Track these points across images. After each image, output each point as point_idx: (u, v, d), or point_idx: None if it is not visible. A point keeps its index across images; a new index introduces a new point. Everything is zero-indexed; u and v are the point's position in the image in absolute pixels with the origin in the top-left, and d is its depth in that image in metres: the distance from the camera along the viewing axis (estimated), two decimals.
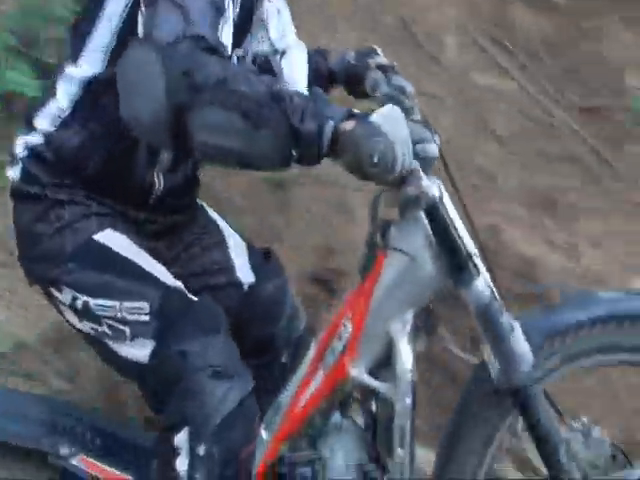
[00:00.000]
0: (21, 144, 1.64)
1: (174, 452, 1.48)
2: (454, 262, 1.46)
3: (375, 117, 1.33)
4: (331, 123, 1.31)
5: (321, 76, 1.86)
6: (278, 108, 1.29)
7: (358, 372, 1.51)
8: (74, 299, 1.56)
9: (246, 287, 1.80)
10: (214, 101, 1.28)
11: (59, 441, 1.68)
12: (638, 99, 4.58)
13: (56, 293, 1.59)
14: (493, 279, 1.52)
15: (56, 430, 1.70)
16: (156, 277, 1.55)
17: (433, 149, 1.42)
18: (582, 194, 3.73)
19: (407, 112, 1.42)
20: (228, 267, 1.78)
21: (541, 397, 1.51)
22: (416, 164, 1.39)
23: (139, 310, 1.51)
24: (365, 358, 1.51)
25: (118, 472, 1.66)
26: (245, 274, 1.80)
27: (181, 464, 1.48)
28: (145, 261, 1.58)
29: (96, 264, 1.56)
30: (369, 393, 1.56)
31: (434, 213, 1.45)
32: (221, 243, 1.82)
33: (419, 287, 1.50)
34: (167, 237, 1.75)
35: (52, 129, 1.61)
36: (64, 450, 1.67)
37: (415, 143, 1.36)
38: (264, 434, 1.55)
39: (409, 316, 1.50)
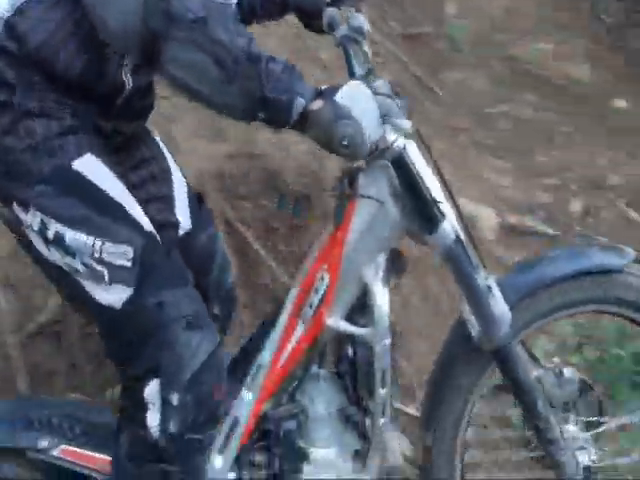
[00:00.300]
0: None
1: (143, 407, 1.40)
2: (420, 208, 1.48)
3: (342, 98, 1.33)
4: (301, 101, 1.31)
5: (272, 2, 1.69)
6: (254, 70, 1.28)
7: (335, 321, 1.52)
8: (44, 226, 1.37)
9: (181, 232, 1.65)
10: (190, 40, 1.25)
11: (37, 435, 1.57)
12: (454, 27, 4.80)
13: (22, 214, 1.40)
14: (473, 245, 1.56)
15: (32, 425, 1.58)
16: (138, 222, 1.42)
17: (405, 123, 1.42)
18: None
19: (366, 60, 1.50)
20: (170, 204, 1.64)
21: (518, 352, 1.58)
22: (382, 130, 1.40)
23: (122, 255, 1.37)
24: (341, 306, 1.52)
25: (101, 455, 1.56)
26: (184, 217, 1.65)
27: (152, 419, 1.41)
28: (126, 200, 1.43)
29: (74, 193, 1.38)
30: (346, 340, 1.58)
31: (400, 162, 1.46)
32: (166, 174, 1.67)
33: (389, 231, 1.52)
34: (123, 152, 1.59)
35: (10, 14, 1.36)
36: (43, 443, 1.56)
37: (384, 117, 1.38)
38: (247, 395, 1.54)
39: (381, 260, 1.51)
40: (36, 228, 1.38)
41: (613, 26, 5.27)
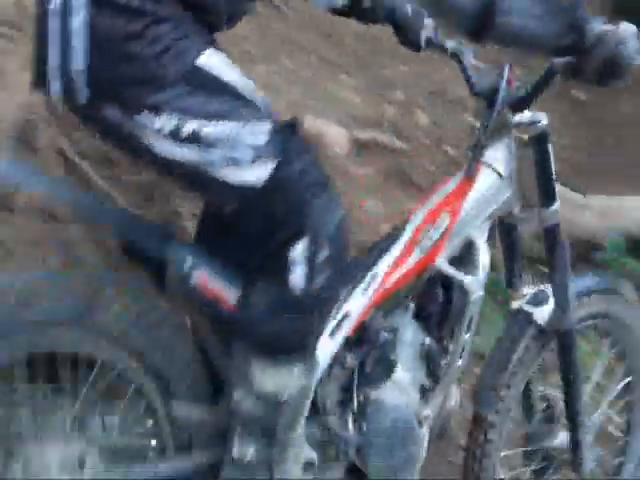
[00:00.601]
0: None
1: (288, 269, 1.47)
2: (544, 184, 1.76)
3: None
4: (591, 25, 1.53)
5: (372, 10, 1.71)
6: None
7: (442, 262, 1.69)
8: (179, 126, 1.39)
9: None
10: None
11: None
12: None
13: (152, 119, 1.38)
14: None
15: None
16: (262, 101, 1.49)
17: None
18: (252, 40, 3.79)
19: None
20: None
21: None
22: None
23: (262, 132, 1.43)
24: (448, 251, 1.70)
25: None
26: None
27: (297, 279, 1.48)
28: (247, 83, 1.48)
29: (205, 88, 1.41)
30: (439, 282, 1.72)
31: (541, 139, 1.73)
32: None
33: (500, 203, 1.73)
34: None
35: None
36: (187, 265, 1.51)
37: None
38: (360, 297, 1.65)
39: (486, 227, 1.74)
40: (168, 130, 1.39)
41: None
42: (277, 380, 1.51)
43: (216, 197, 1.51)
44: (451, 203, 1.71)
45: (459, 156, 3.59)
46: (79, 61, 1.34)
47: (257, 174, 1.43)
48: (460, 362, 1.72)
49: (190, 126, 1.39)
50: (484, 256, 1.71)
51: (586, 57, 1.54)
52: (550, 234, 1.80)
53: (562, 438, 1.94)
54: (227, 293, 1.52)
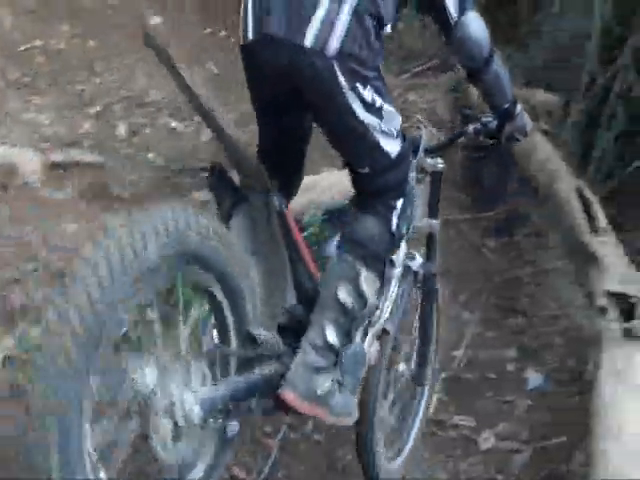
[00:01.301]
0: None
1: (392, 211, 2.05)
2: (434, 205, 2.46)
3: None
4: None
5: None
6: None
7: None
8: (373, 98, 1.92)
9: None
10: None
11: None
12: None
13: (360, 87, 1.89)
14: None
15: None
16: None
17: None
18: None
19: None
20: None
21: None
22: None
23: (399, 123, 2.04)
24: None
25: None
26: None
27: (395, 218, 2.06)
28: None
29: (383, 80, 1.99)
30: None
31: (438, 175, 2.42)
32: None
33: None
34: None
35: None
36: None
37: None
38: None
39: None
40: (368, 99, 1.91)
41: None
42: (371, 285, 2.04)
43: (368, 155, 2.01)
44: None
45: (162, 161, 3.67)
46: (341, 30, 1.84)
47: (393, 147, 2.01)
48: None
49: (379, 101, 1.95)
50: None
51: (507, 124, 2.29)
52: (430, 236, 2.48)
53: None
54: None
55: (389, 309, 2.22)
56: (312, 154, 4.20)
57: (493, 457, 2.76)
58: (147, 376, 1.55)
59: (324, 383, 1.96)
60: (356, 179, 2.08)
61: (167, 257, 1.55)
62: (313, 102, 1.94)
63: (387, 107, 1.95)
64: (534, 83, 4.19)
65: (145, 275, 1.51)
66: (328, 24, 1.79)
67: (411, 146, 2.16)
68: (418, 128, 2.48)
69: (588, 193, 3.34)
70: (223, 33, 4.78)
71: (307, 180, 3.51)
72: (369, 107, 1.92)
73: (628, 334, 2.64)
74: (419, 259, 2.39)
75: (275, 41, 1.82)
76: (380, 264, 2.06)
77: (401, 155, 2.03)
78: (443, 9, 2.08)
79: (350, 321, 2.00)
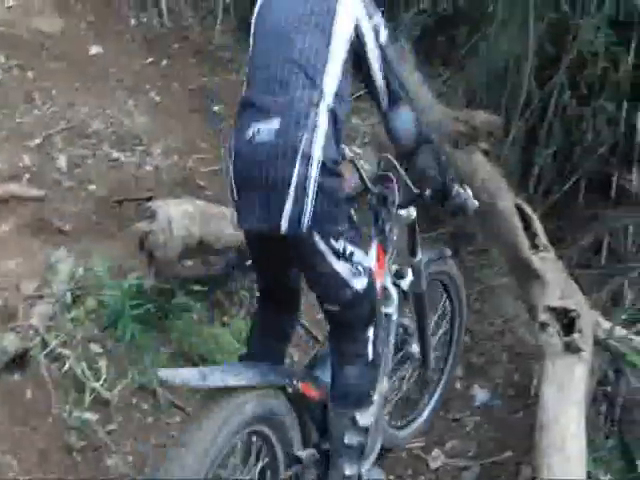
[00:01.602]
0: None
1: (367, 343, 2.41)
2: (413, 246, 2.82)
3: None
4: None
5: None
6: None
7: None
8: (345, 247, 2.27)
9: None
10: None
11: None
12: None
13: (333, 242, 2.24)
14: None
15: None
16: None
17: None
18: None
19: None
20: None
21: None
22: None
23: (366, 261, 2.41)
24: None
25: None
26: None
27: (370, 347, 2.41)
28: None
29: (356, 230, 2.38)
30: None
31: (413, 225, 2.79)
32: None
33: None
34: None
35: None
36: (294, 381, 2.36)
37: None
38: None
39: None
40: (340, 250, 2.26)
41: None
42: (367, 417, 2.43)
43: (339, 295, 2.33)
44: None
45: (104, 193, 3.65)
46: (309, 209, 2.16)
47: (361, 283, 2.33)
48: None
49: (349, 249, 2.28)
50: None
51: (445, 203, 2.60)
52: (415, 269, 2.80)
53: (415, 348, 2.88)
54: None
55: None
56: None
57: (443, 475, 2.81)
58: None
59: None
60: (329, 315, 2.42)
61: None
62: (295, 260, 2.36)
63: (357, 252, 2.32)
64: (474, 104, 4.29)
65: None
66: (297, 210, 2.14)
67: (375, 282, 2.46)
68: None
69: (528, 210, 3.43)
70: (165, 62, 4.78)
71: None
72: (341, 256, 2.27)
73: (569, 348, 2.71)
74: (409, 278, 2.78)
75: (259, 231, 2.27)
76: (369, 397, 2.44)
77: (367, 288, 2.36)
78: (377, 98, 2.38)
79: (360, 451, 2.45)
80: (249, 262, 2.99)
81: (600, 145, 3.85)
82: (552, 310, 2.87)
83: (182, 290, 3.18)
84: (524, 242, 3.26)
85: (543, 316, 2.86)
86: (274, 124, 2.16)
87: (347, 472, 2.40)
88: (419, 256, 2.79)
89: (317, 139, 2.15)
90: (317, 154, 2.14)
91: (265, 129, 2.17)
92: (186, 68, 4.76)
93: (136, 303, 3.02)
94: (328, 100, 2.19)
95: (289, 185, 2.12)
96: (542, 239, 3.27)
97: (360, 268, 2.31)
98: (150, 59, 4.77)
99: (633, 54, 3.68)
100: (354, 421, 2.38)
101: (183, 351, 3.10)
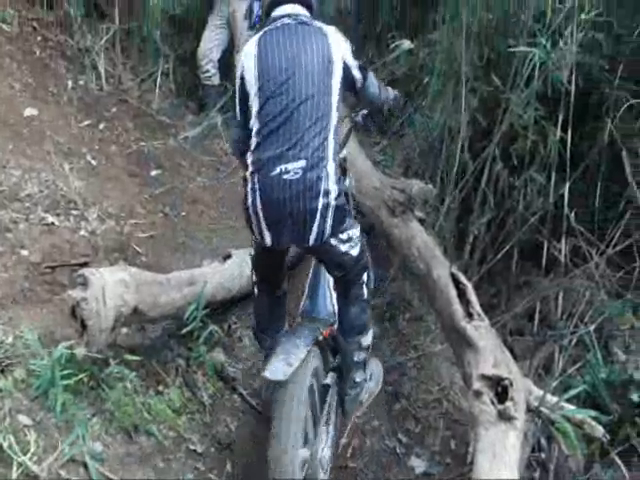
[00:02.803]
0: None
1: (362, 286, 3.16)
2: None
3: None
4: None
5: None
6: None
7: None
8: (348, 235, 3.01)
9: None
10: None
11: None
12: None
13: (340, 236, 2.99)
14: None
15: None
16: None
17: None
18: None
19: None
20: None
21: None
22: None
23: (360, 234, 3.10)
24: None
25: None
26: None
27: (365, 288, 3.17)
28: None
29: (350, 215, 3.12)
30: None
31: None
32: None
33: None
34: None
35: None
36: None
37: None
38: None
39: None
40: (345, 238, 3.00)
41: (15, 35, 5.40)
42: (369, 339, 3.25)
43: (344, 263, 3.06)
44: None
45: (37, 258, 3.65)
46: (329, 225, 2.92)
47: (357, 250, 3.05)
48: None
49: (350, 234, 3.01)
50: None
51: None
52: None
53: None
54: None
55: None
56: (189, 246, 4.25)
57: None
58: None
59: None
60: (337, 279, 3.19)
61: None
62: (313, 254, 3.26)
63: (353, 231, 3.03)
64: (411, 172, 4.48)
65: None
66: (322, 229, 2.87)
67: (364, 242, 3.17)
68: None
69: (463, 278, 3.57)
70: (102, 125, 4.86)
71: (186, 275, 3.61)
72: (345, 241, 3.00)
73: (502, 416, 2.81)
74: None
75: (287, 245, 3.04)
76: (367, 325, 3.23)
77: (361, 251, 3.09)
78: (353, 80, 3.07)
79: (364, 364, 3.25)
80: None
81: (532, 214, 4.05)
82: (486, 378, 2.98)
83: (116, 359, 3.18)
84: (459, 310, 3.39)
85: (477, 384, 2.96)
86: (300, 164, 2.80)
87: (358, 379, 3.22)
88: None
89: (332, 172, 2.86)
90: (333, 187, 2.86)
91: (291, 168, 2.80)
92: (124, 132, 4.85)
93: (68, 372, 3.00)
94: (333, 129, 2.90)
95: (315, 213, 2.83)
96: (476, 307, 3.41)
97: (356, 240, 3.05)
98: (87, 122, 4.85)
99: (560, 128, 3.91)
100: (360, 344, 3.19)
101: (116, 420, 3.09)
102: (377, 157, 4.71)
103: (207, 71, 5.49)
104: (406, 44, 3.92)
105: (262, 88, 2.89)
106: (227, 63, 5.46)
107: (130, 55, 5.57)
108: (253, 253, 3.19)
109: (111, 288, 3.12)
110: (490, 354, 3.13)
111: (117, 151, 4.69)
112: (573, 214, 3.82)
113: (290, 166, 2.80)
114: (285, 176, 2.79)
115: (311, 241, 2.86)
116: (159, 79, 5.34)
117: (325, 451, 3.03)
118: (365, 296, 3.16)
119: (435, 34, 4.85)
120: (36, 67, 5.15)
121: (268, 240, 2.91)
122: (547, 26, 3.93)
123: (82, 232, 3.93)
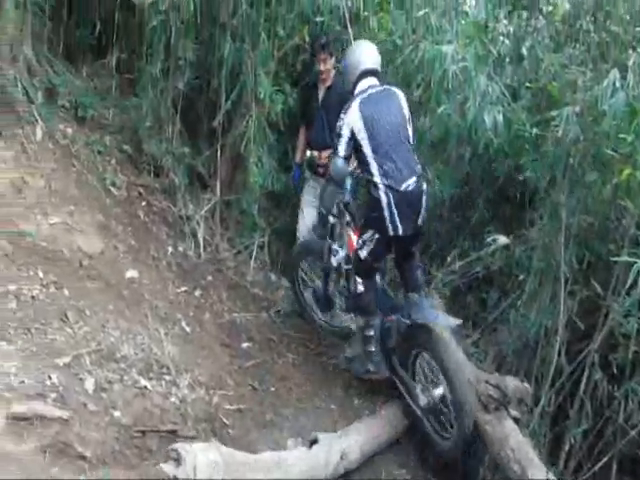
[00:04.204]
0: None
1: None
2: None
3: None
4: None
5: None
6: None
7: None
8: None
9: None
10: None
11: None
12: None
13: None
14: None
15: None
16: None
17: None
18: None
19: None
20: None
21: None
22: None
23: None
24: None
25: None
26: None
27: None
28: None
29: None
30: None
31: None
32: None
33: None
34: None
35: None
36: None
37: None
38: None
39: None
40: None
41: (123, 199, 5.87)
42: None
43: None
44: None
45: (129, 421, 3.78)
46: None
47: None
48: None
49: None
50: None
51: None
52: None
53: None
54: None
55: None
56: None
57: None
58: None
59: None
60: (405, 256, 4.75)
61: None
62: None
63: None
64: (504, 369, 4.54)
65: None
66: (422, 220, 4.54)
67: None
68: None
69: None
70: (198, 292, 5.12)
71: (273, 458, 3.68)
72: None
73: None
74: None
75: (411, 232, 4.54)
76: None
77: None
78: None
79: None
80: None
81: (632, 427, 4.02)
82: None
83: None
84: None
85: None
86: (413, 179, 4.48)
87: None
88: None
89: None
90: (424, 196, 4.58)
91: (411, 183, 4.46)
92: (219, 301, 5.10)
93: None
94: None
95: (422, 210, 4.49)
96: None
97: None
98: (184, 288, 5.13)
99: None
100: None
101: None
102: (469, 349, 4.79)
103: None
104: (502, 240, 4.14)
105: (371, 135, 4.54)
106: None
107: (228, 226, 5.95)
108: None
109: (202, 469, 3.27)
110: None
111: (210, 319, 4.92)
112: None
113: (410, 182, 4.45)
114: (409, 188, 4.44)
115: (419, 225, 4.55)
116: (255, 251, 5.65)
117: None
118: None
119: (531, 231, 5.07)
120: (139, 231, 5.53)
121: (400, 230, 4.45)
122: None
123: (172, 398, 4.07)
